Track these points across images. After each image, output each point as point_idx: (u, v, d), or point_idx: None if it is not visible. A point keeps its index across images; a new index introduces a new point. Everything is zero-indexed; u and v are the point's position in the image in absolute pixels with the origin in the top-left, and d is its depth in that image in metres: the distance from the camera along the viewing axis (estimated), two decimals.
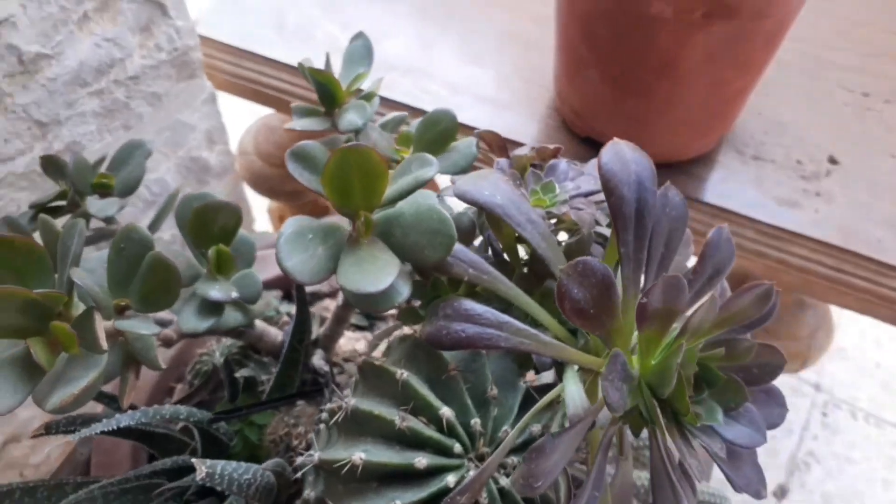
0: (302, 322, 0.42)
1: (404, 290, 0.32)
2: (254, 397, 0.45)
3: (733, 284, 0.33)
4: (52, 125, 0.54)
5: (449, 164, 0.41)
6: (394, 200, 0.33)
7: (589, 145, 0.63)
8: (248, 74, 0.70)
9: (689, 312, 0.29)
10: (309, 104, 0.43)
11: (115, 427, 0.36)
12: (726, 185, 0.61)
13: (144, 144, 0.46)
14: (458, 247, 0.32)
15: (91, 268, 0.37)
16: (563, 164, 0.38)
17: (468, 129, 0.63)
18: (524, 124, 0.65)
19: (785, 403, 0.32)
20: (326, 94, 0.41)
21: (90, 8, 0.53)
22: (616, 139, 0.32)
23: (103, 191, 0.44)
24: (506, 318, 0.31)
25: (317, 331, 0.50)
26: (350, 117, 0.40)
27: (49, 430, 0.36)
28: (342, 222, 0.33)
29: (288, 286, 0.58)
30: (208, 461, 0.32)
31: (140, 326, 0.34)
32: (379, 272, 0.31)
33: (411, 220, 0.32)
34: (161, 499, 0.37)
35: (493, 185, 0.33)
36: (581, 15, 0.54)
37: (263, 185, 0.80)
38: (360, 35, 0.45)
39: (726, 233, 0.33)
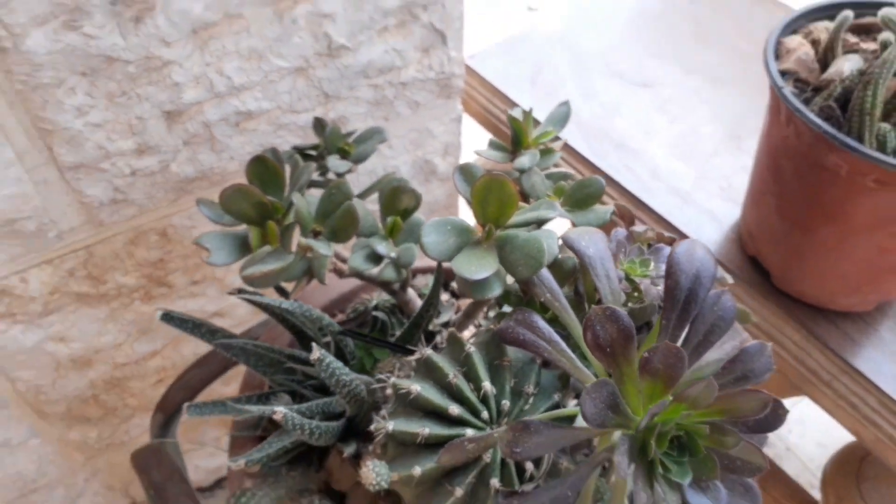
0: (432, 296, 0.53)
1: (496, 288, 0.42)
2: (382, 336, 0.58)
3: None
4: (333, 99, 0.71)
5: (584, 221, 0.50)
6: (517, 226, 0.43)
7: (752, 264, 0.68)
8: (494, 110, 0.83)
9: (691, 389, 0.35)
10: (504, 143, 0.55)
11: (278, 305, 0.50)
12: (866, 349, 0.62)
13: (382, 132, 0.60)
14: (547, 277, 0.42)
15: (310, 200, 0.51)
16: (709, 257, 0.45)
17: (650, 212, 0.71)
18: (702, 227, 0.71)
19: (758, 502, 0.37)
20: (516, 138, 0.53)
21: (391, 23, 0.69)
22: (694, 239, 0.39)
23: (343, 154, 0.59)
24: (557, 338, 0.39)
25: (453, 317, 0.61)
26: (522, 160, 0.51)
27: (240, 291, 0.51)
28: (475, 228, 0.44)
29: (447, 277, 0.69)
30: (325, 352, 0.45)
31: (322, 247, 0.48)
32: (480, 267, 0.41)
33: (520, 243, 0.42)
34: (282, 368, 0.50)
35: (591, 240, 0.41)
36: (772, 146, 0.60)
37: None
38: (565, 104, 0.56)
39: (768, 350, 0.39)
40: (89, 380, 0.78)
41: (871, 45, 0.57)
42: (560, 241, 0.45)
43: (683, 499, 0.36)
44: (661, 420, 0.36)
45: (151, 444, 0.61)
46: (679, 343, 0.38)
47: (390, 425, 0.41)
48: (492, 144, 0.54)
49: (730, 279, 0.48)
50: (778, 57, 0.59)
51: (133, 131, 0.63)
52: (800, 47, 0.58)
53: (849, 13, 0.56)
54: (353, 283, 0.66)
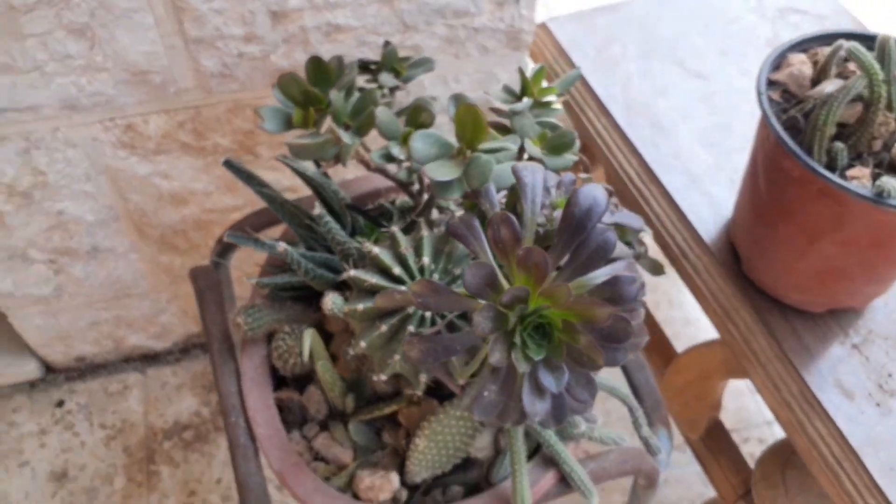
0: (431, 197, 0.66)
1: (456, 191, 0.55)
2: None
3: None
4: (411, 29, 0.84)
5: (552, 162, 0.61)
6: (485, 151, 0.56)
7: (730, 249, 0.76)
8: (556, 69, 0.94)
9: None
10: (516, 92, 0.66)
11: (305, 172, 0.65)
12: (804, 344, 0.70)
13: (431, 63, 0.73)
14: (491, 192, 0.54)
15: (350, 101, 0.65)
16: (604, 198, 0.56)
17: (658, 185, 0.80)
18: (699, 208, 0.79)
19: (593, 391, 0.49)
20: (522, 88, 0.64)
21: None
22: (596, 184, 0.50)
23: (395, 73, 0.72)
24: (482, 237, 0.52)
25: None
26: (517, 105, 0.62)
27: (284, 157, 0.66)
28: (454, 146, 0.57)
29: None
30: (325, 212, 0.59)
31: (345, 136, 0.62)
32: (445, 172, 0.54)
33: (479, 162, 0.54)
34: (305, 225, 0.65)
35: (531, 172, 0.53)
36: (756, 145, 0.68)
37: None
38: (576, 70, 0.67)
39: (636, 283, 0.50)
40: (182, 216, 0.97)
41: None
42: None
43: (535, 371, 0.49)
44: (530, 308, 0.48)
45: (206, 265, 0.79)
46: (566, 258, 0.50)
47: (351, 272, 0.55)
48: (504, 89, 0.66)
49: (648, 232, 0.58)
50: (778, 68, 0.66)
51: (244, 21, 0.79)
52: (799, 64, 0.65)
53: (843, 42, 0.62)
54: (388, 183, 0.80)
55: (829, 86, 0.62)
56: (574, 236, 0.49)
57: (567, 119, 0.94)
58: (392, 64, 0.72)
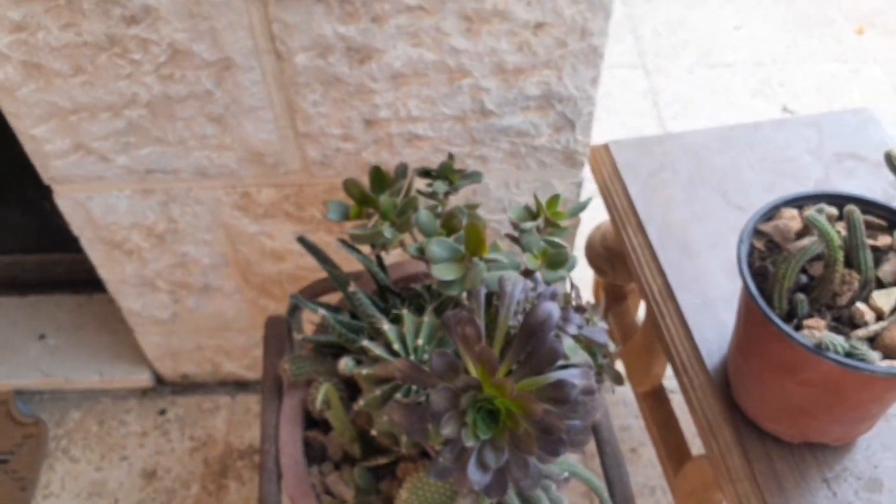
0: None
1: (456, 289, 0.68)
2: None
3: None
4: (479, 143, 0.99)
5: (549, 276, 0.72)
6: (486, 260, 0.69)
7: (724, 372, 0.83)
8: (609, 187, 1.05)
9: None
10: (535, 212, 0.79)
11: (357, 254, 0.80)
12: (775, 471, 0.76)
13: (479, 176, 0.87)
14: (481, 294, 0.66)
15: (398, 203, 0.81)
16: (557, 314, 0.67)
17: (674, 310, 0.89)
18: (706, 329, 0.87)
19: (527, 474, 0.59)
20: (536, 208, 0.77)
21: (532, 105, 0.95)
22: (552, 304, 0.61)
23: (448, 182, 0.87)
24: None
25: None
26: (526, 224, 0.75)
27: (342, 241, 0.82)
28: (464, 253, 0.70)
29: None
30: (358, 289, 0.74)
31: (386, 231, 0.77)
32: (447, 273, 0.67)
33: (475, 269, 0.67)
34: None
35: (513, 285, 0.65)
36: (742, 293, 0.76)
37: (593, 264, 1.17)
38: (587, 201, 0.78)
39: (575, 390, 0.61)
40: (279, 269, 1.17)
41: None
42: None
43: (481, 448, 0.60)
44: (483, 395, 0.60)
45: (281, 315, 0.96)
46: (523, 359, 0.61)
47: (364, 342, 0.69)
48: (524, 208, 0.79)
49: (613, 346, 0.68)
50: (770, 219, 0.75)
51: (343, 125, 0.97)
52: (788, 218, 0.74)
53: (823, 206, 0.70)
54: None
55: (808, 242, 0.70)
56: (528, 342, 0.61)
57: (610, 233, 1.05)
58: (447, 174, 0.88)
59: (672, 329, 0.89)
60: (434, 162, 1.02)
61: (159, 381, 1.37)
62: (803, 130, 1.10)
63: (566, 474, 0.74)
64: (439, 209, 0.87)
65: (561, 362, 0.66)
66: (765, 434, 0.78)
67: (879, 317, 0.67)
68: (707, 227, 0.98)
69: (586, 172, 1.07)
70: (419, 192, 0.89)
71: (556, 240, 0.76)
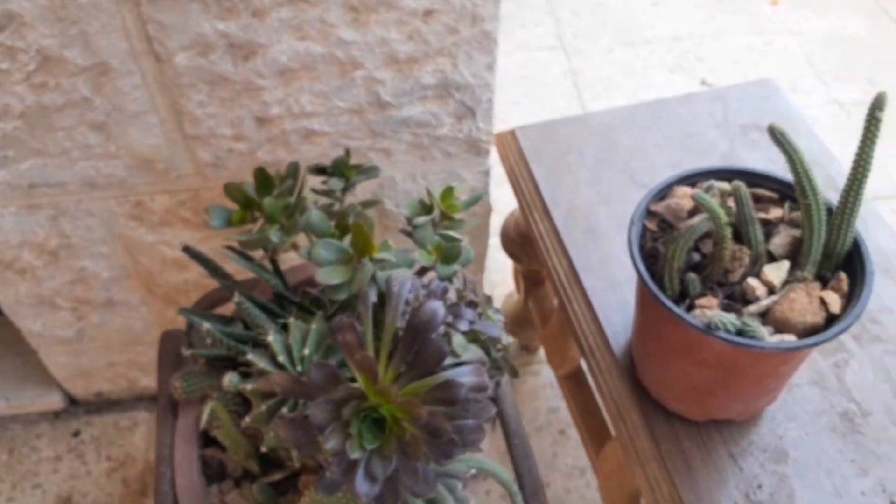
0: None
1: (343, 293, 0.66)
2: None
3: None
4: (379, 136, 0.96)
5: (442, 271, 0.70)
6: (375, 260, 0.66)
7: (630, 354, 0.83)
8: (516, 173, 1.04)
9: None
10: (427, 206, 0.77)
11: (245, 260, 0.77)
12: (683, 451, 0.76)
13: (377, 170, 0.84)
14: (368, 297, 0.64)
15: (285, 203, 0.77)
16: (469, 313, 0.65)
17: (580, 289, 0.88)
18: (612, 311, 0.86)
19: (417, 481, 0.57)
20: (430, 202, 0.75)
21: (430, 94, 0.93)
22: (436, 303, 0.59)
23: (346, 178, 0.84)
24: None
25: None
26: (418, 219, 0.73)
27: (229, 248, 0.79)
28: (352, 254, 0.68)
29: None
30: (244, 299, 0.71)
31: (274, 234, 0.74)
32: (333, 276, 0.65)
33: (362, 271, 0.65)
34: None
35: (401, 285, 0.63)
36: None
37: (508, 251, 1.15)
38: (479, 193, 0.76)
39: (463, 388, 0.59)
40: (184, 278, 1.12)
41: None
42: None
43: (369, 459, 0.58)
44: (367, 404, 0.57)
45: (178, 330, 0.92)
46: (410, 361, 0.59)
47: (249, 355, 0.66)
48: (418, 202, 0.76)
49: (509, 340, 0.67)
50: (663, 199, 0.74)
51: (233, 125, 0.93)
52: (680, 197, 0.73)
53: (712, 182, 0.70)
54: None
55: (696, 221, 0.69)
56: (413, 343, 0.59)
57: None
58: (342, 170, 0.85)
59: (578, 313, 0.88)
60: (333, 158, 0.98)
61: (72, 401, 1.31)
62: (709, 104, 1.10)
63: (473, 471, 0.73)
64: (337, 207, 0.84)
65: (451, 360, 0.64)
66: (671, 414, 0.78)
67: (771, 291, 0.67)
68: (613, 209, 0.97)
69: (495, 160, 1.05)
70: (315, 190, 0.86)
71: (451, 233, 0.74)
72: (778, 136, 0.64)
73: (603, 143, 1.06)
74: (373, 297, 0.64)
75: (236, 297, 0.70)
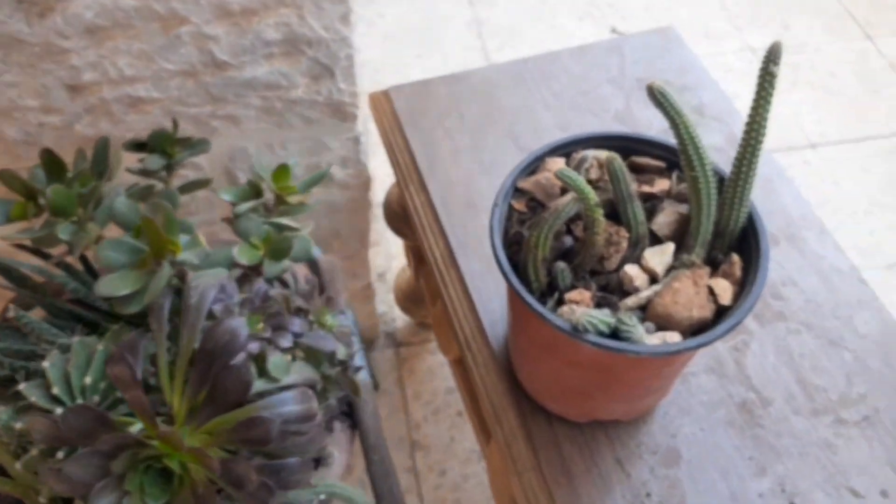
0: None
1: (135, 306, 0.53)
2: None
3: None
4: (220, 101, 0.82)
5: (271, 268, 0.58)
6: (176, 262, 0.54)
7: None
8: (391, 139, 0.91)
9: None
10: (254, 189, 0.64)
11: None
12: (564, 459, 0.67)
13: (206, 144, 0.71)
14: (163, 310, 0.52)
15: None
16: (296, 323, 0.54)
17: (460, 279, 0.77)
18: (490, 297, 0.76)
19: None
20: (254, 190, 0.62)
21: (276, 52, 0.79)
22: (239, 321, 0.48)
23: (167, 156, 0.71)
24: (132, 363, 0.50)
25: None
26: (240, 206, 0.60)
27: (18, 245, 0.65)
28: (148, 253, 0.55)
29: None
30: (22, 311, 0.58)
31: (66, 231, 0.60)
32: (121, 287, 0.52)
33: (159, 276, 0.52)
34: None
35: (201, 296, 0.51)
36: None
37: (392, 225, 1.04)
38: (324, 170, 0.64)
39: (264, 425, 0.47)
40: None
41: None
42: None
43: None
44: (150, 453, 0.46)
45: None
46: (207, 390, 0.48)
47: (21, 385, 0.53)
48: (247, 184, 0.64)
49: (341, 352, 0.56)
50: (533, 172, 0.64)
51: (40, 95, 0.78)
52: (554, 171, 0.62)
53: (586, 154, 0.59)
54: None
55: (563, 202, 0.59)
56: (208, 372, 0.47)
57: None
58: (163, 146, 0.71)
59: (455, 298, 0.77)
60: (166, 127, 0.84)
61: None
62: (604, 57, 1.00)
63: (322, 497, 0.62)
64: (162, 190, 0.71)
65: (270, 386, 0.52)
66: (552, 416, 0.69)
67: (654, 279, 0.58)
68: (495, 180, 0.86)
69: (365, 124, 0.93)
70: (130, 171, 0.72)
71: (284, 221, 0.62)
72: (658, 97, 0.54)
73: (486, 103, 0.94)
74: (167, 308, 0.52)
75: (11, 311, 0.57)
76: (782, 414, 0.70)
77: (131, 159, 0.71)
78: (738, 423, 0.69)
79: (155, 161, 0.70)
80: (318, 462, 0.69)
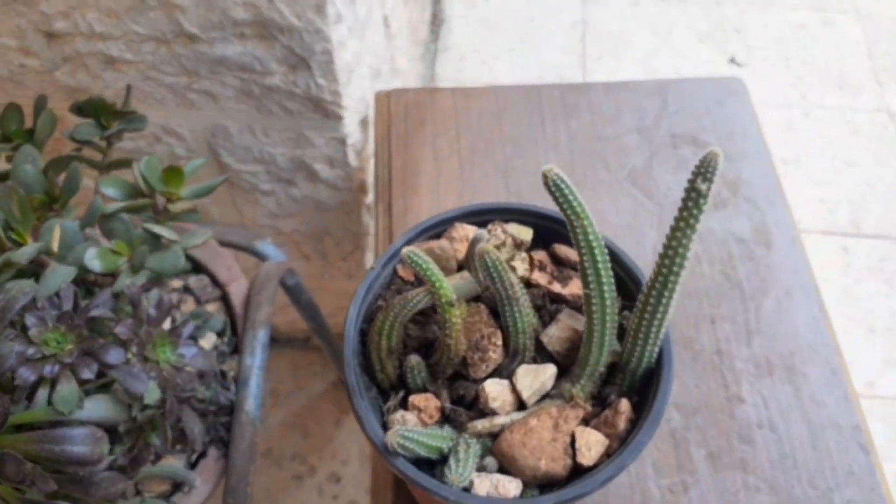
0: None
1: None
2: None
3: None
4: (194, 75, 0.77)
5: (121, 281, 0.53)
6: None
7: None
8: (377, 148, 0.84)
9: None
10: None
11: None
12: None
13: (143, 121, 0.66)
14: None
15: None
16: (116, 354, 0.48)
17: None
18: None
19: None
20: (140, 189, 0.57)
21: (247, 32, 0.73)
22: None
23: (103, 126, 0.66)
24: None
25: None
26: (110, 207, 0.55)
27: None
28: None
29: None
30: None
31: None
32: None
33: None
34: None
35: (29, 295, 0.46)
36: None
37: None
38: (221, 179, 0.58)
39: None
40: None
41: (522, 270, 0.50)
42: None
43: None
44: None
45: None
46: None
47: None
48: (128, 185, 0.58)
49: (154, 393, 0.49)
50: (439, 236, 0.54)
51: (16, 36, 0.76)
52: (459, 239, 0.53)
53: (483, 232, 0.49)
54: None
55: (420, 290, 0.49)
56: None
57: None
58: (98, 113, 0.67)
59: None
60: (145, 91, 0.81)
61: None
62: (642, 99, 0.86)
63: None
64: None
65: (62, 418, 0.47)
66: None
67: (522, 404, 0.47)
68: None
69: (350, 128, 0.85)
70: (74, 139, 0.68)
71: (158, 229, 0.56)
72: (552, 188, 0.43)
73: (488, 128, 0.84)
74: None
75: None
76: None
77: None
78: None
79: (88, 130, 0.66)
80: (178, 487, 0.65)
